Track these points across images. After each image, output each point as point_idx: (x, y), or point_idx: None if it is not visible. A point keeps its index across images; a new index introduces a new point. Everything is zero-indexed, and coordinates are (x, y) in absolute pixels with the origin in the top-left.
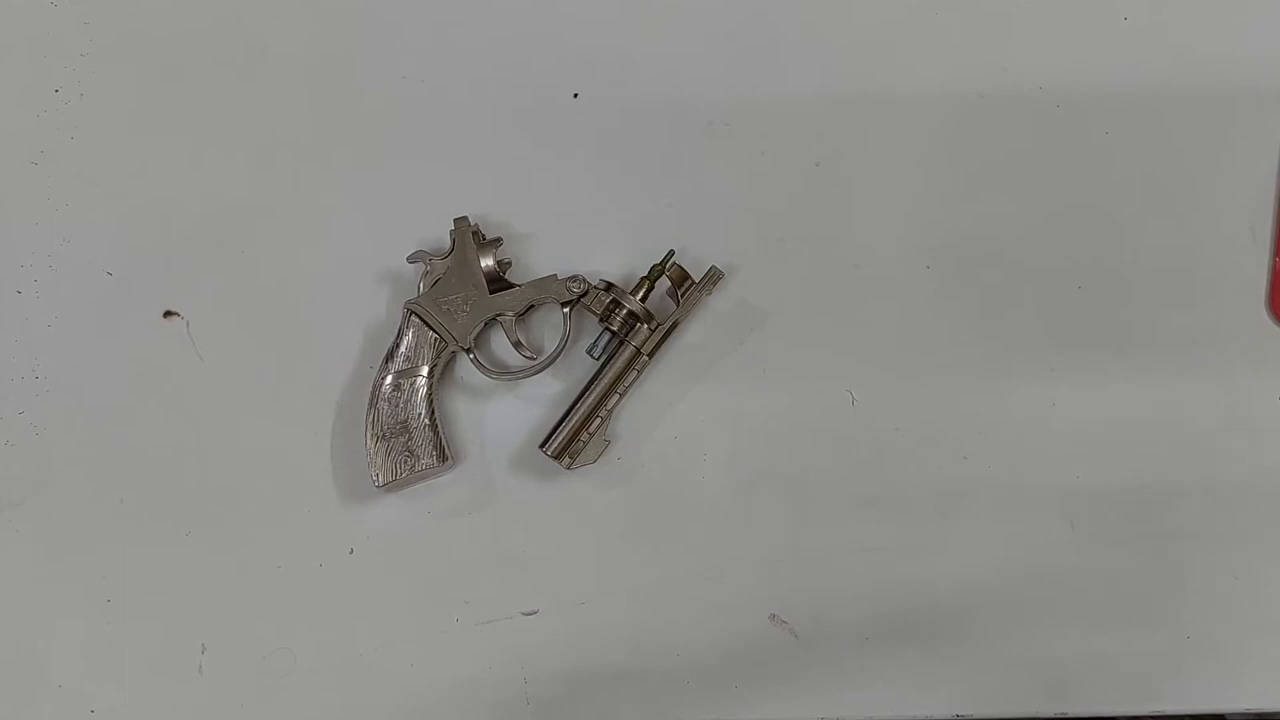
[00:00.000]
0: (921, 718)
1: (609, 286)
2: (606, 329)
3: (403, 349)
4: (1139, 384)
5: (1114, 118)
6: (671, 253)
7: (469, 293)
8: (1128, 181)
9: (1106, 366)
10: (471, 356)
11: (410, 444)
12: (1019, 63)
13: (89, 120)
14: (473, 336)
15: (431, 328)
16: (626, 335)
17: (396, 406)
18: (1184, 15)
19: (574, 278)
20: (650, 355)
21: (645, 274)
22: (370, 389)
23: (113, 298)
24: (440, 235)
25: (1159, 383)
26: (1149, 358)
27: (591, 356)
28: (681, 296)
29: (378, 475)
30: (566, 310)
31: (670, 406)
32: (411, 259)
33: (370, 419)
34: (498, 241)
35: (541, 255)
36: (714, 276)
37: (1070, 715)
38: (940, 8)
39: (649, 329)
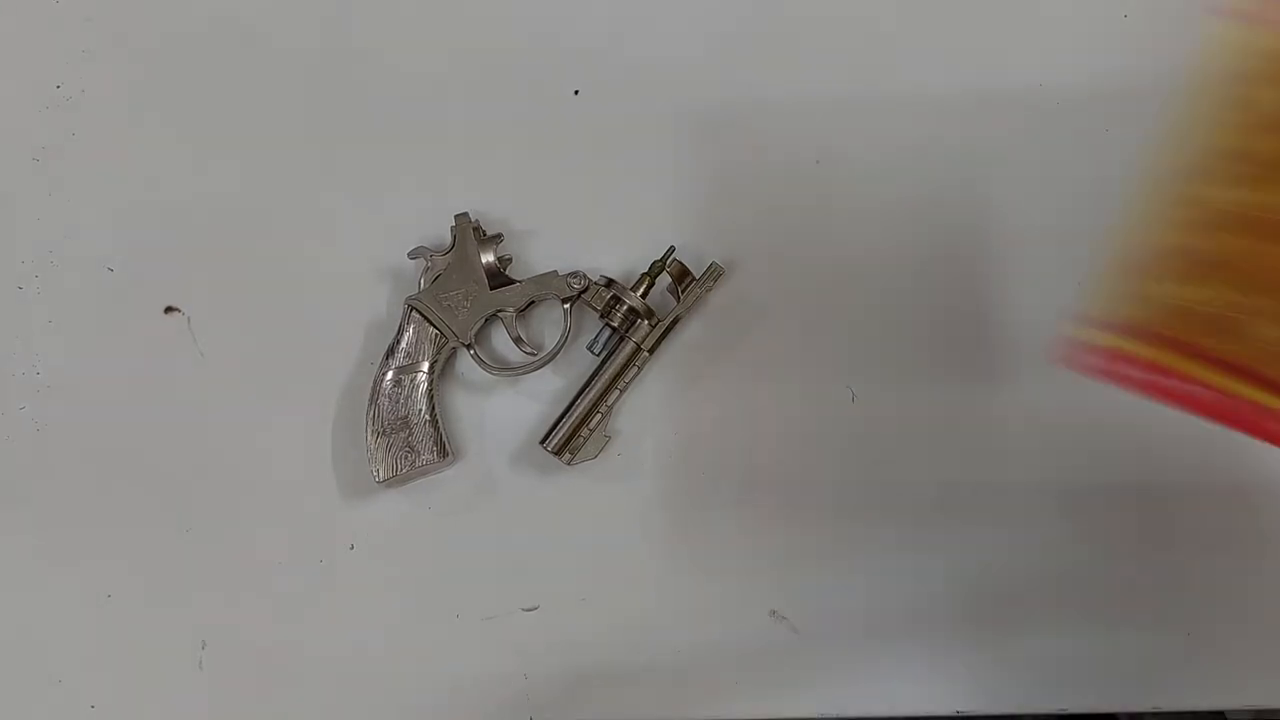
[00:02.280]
0: (922, 714)
1: (609, 283)
2: (607, 325)
3: (403, 345)
4: None
5: (1114, 117)
6: (672, 249)
7: (470, 289)
8: (1127, 181)
9: None
10: (472, 352)
11: (411, 439)
12: (1019, 62)
13: (90, 117)
14: (473, 332)
15: (432, 324)
16: (627, 331)
17: (397, 402)
18: (1183, 14)
19: (574, 274)
20: (651, 351)
21: (646, 270)
22: (371, 385)
23: (113, 294)
24: (441, 232)
25: None
26: None
27: (592, 353)
28: (682, 293)
29: (378, 471)
30: (567, 306)
31: (671, 402)
32: (412, 255)
33: (371, 415)
34: (498, 238)
35: (542, 252)
36: (714, 273)
37: (1070, 712)
38: (941, 6)
39: (649, 325)
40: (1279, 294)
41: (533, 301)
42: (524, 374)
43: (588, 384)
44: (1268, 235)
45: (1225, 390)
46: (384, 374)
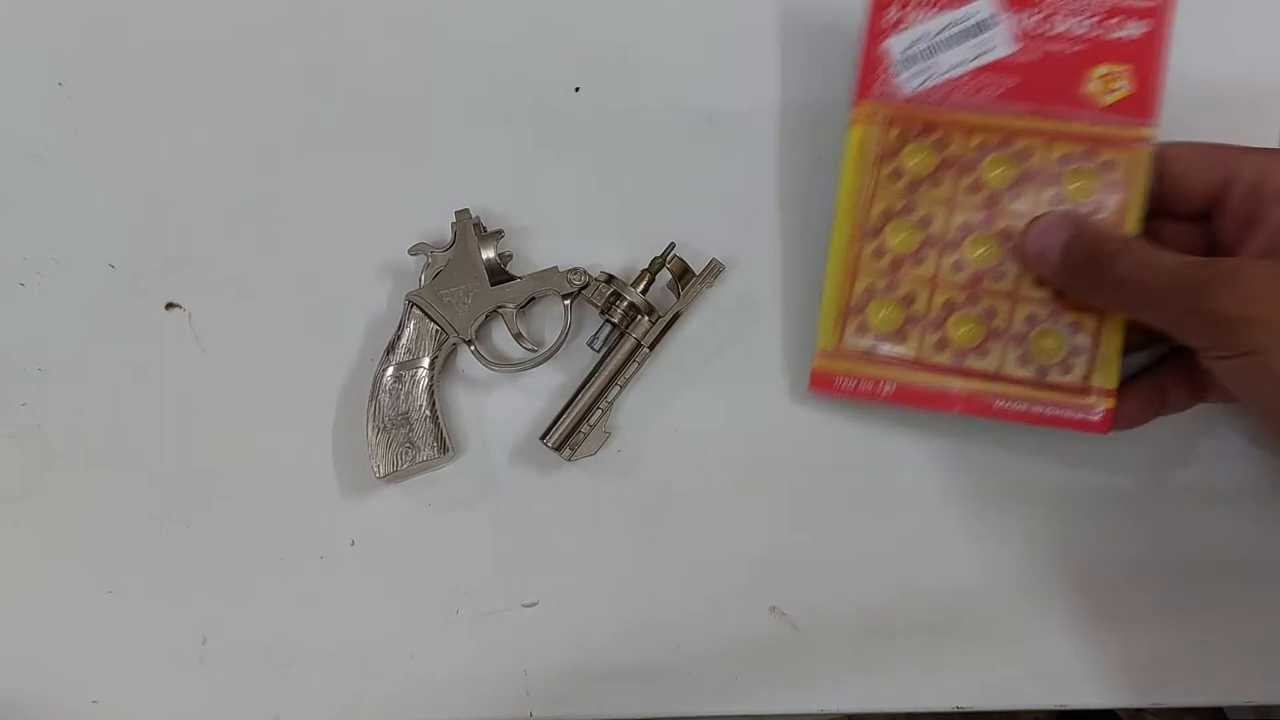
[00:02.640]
0: (922, 710)
1: (610, 279)
2: (607, 321)
3: (404, 341)
4: None
5: None
6: (672, 245)
7: (470, 285)
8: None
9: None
10: (473, 348)
11: (411, 435)
12: None
13: (92, 114)
14: (474, 328)
15: (433, 319)
16: (627, 328)
17: (397, 398)
18: (1183, 14)
19: (575, 270)
20: (651, 348)
21: (646, 266)
22: (371, 381)
23: (115, 290)
24: (441, 228)
25: None
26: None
27: (592, 349)
28: (682, 289)
29: (379, 467)
30: (567, 302)
31: (671, 399)
32: (413, 251)
33: (371, 411)
34: (499, 234)
35: (542, 248)
36: (715, 269)
37: (1070, 708)
38: None
39: (650, 321)
40: (945, 307)
41: (533, 298)
42: (524, 370)
43: (588, 380)
44: (929, 263)
45: (939, 385)
46: (384, 370)
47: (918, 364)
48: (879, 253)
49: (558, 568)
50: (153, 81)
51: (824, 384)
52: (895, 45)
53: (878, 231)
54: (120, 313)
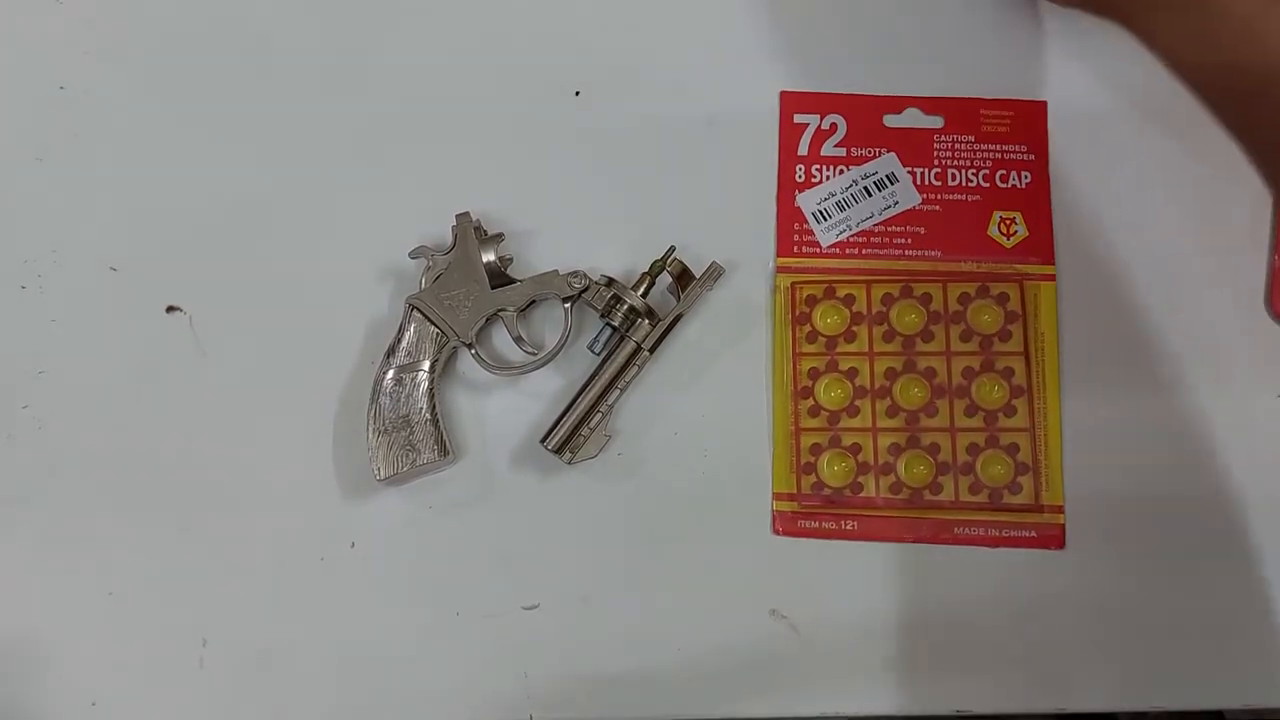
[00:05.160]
0: (922, 714)
1: (610, 282)
2: (607, 324)
3: (404, 344)
4: (1138, 383)
5: (1113, 117)
6: (672, 248)
7: (471, 288)
8: (1127, 182)
9: (1105, 368)
10: (473, 352)
11: (411, 438)
12: (1018, 62)
13: (93, 117)
14: (474, 331)
15: (433, 323)
16: (627, 331)
17: (398, 401)
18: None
19: (575, 273)
20: (651, 351)
21: (646, 269)
22: (372, 384)
23: (116, 293)
24: (442, 231)
25: (1158, 382)
26: (1148, 358)
27: (592, 352)
28: (682, 292)
29: (379, 469)
30: (568, 306)
31: (671, 402)
32: (414, 254)
33: (372, 413)
34: (499, 237)
35: (543, 251)
36: (714, 272)
37: (1070, 711)
38: (940, 8)
39: (650, 324)
40: (891, 451)
41: (533, 301)
42: (525, 373)
43: (588, 383)
44: (855, 413)
45: (901, 519)
46: (385, 373)
47: (878, 504)
48: (815, 411)
49: (558, 570)
50: (153, 85)
51: (789, 526)
52: (807, 201)
53: (809, 391)
54: (121, 315)
